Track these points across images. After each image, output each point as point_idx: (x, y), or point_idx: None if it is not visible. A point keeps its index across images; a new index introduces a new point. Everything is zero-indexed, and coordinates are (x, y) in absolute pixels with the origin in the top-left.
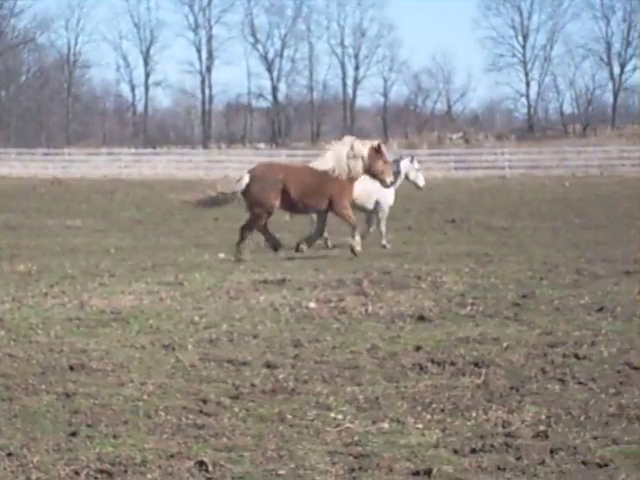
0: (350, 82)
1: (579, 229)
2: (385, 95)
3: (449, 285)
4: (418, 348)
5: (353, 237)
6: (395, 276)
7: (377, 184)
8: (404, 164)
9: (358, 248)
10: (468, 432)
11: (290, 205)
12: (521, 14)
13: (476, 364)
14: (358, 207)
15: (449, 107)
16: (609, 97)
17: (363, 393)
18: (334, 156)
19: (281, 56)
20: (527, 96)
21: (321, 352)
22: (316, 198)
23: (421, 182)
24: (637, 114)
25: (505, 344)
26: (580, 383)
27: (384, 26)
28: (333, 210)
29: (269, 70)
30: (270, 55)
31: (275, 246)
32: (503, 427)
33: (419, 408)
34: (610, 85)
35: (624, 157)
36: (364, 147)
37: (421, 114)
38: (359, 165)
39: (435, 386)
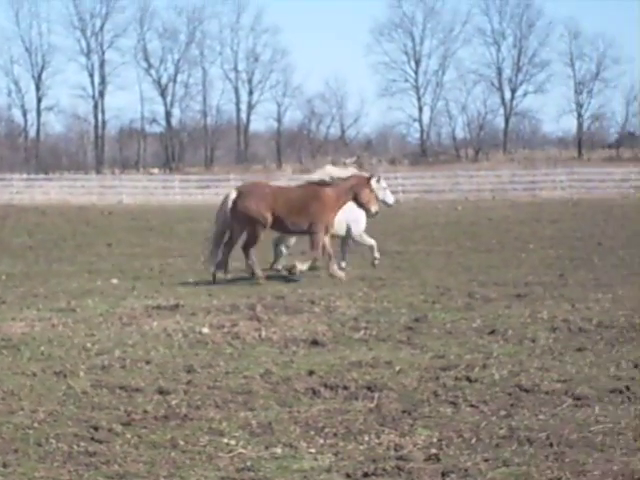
0: (244, 107)
1: (471, 253)
2: (279, 120)
3: (342, 309)
4: (311, 372)
5: (303, 262)
6: (289, 301)
7: (346, 211)
8: (372, 184)
9: (302, 268)
10: (360, 456)
11: (278, 223)
12: (413, 40)
13: (369, 388)
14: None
15: (342, 132)
16: (500, 122)
17: (256, 418)
18: (325, 174)
19: (174, 81)
20: (420, 121)
21: (214, 377)
22: (300, 216)
23: (390, 200)
24: (528, 139)
25: (398, 368)
26: (472, 406)
27: (277, 51)
28: (309, 230)
29: (162, 95)
30: (163, 80)
31: (253, 272)
32: (395, 451)
33: (312, 432)
34: (501, 110)
35: (515, 181)
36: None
37: (315, 139)
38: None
39: (328, 410)
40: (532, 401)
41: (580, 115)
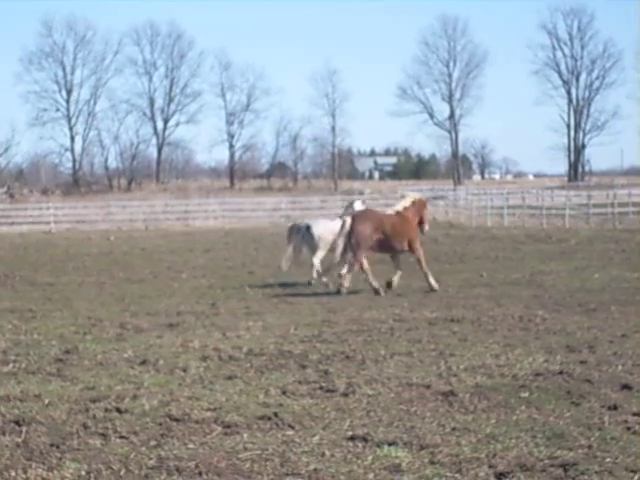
0: None
1: (124, 283)
2: None
3: None
4: None
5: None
6: None
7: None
8: (357, 205)
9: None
10: None
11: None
12: (64, 69)
13: (17, 422)
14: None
15: None
16: (153, 152)
17: None
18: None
19: None
20: (72, 150)
21: None
22: (400, 240)
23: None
24: (181, 169)
25: (47, 401)
26: (122, 437)
27: None
28: (411, 249)
29: None
30: None
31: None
32: None
33: None
34: (154, 140)
35: (168, 211)
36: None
37: None
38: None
39: None
40: (182, 430)
41: (232, 145)
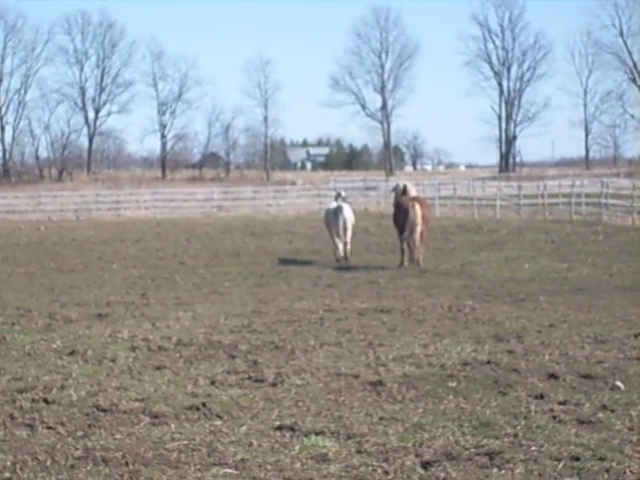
0: None
1: (54, 273)
2: None
3: None
4: None
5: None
6: None
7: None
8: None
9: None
10: None
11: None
12: None
13: None
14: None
15: None
16: (85, 142)
17: None
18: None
19: None
20: (2, 140)
21: None
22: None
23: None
24: (113, 159)
25: None
26: (48, 427)
27: None
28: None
29: None
30: None
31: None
32: None
33: None
34: (85, 130)
35: (99, 201)
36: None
37: None
38: None
39: None
40: (109, 421)
41: (164, 135)
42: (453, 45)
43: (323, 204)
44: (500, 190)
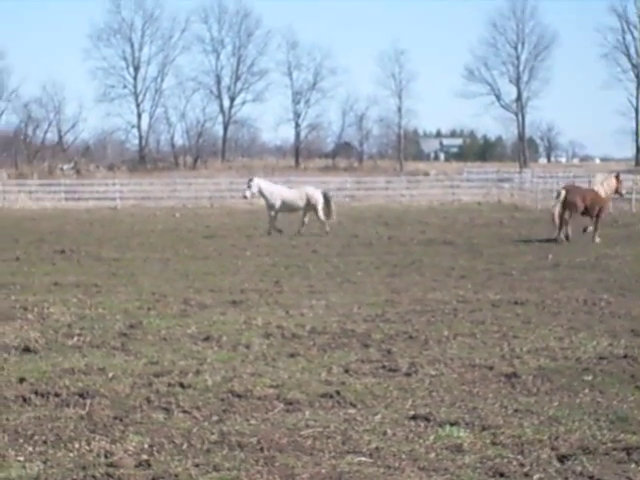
0: None
1: (188, 260)
2: None
3: (56, 316)
4: (22, 380)
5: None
6: (1, 307)
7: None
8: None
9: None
10: (70, 463)
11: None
12: (132, 46)
13: (81, 395)
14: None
15: (60, 137)
16: (219, 130)
17: None
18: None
19: None
20: (138, 127)
21: None
22: (594, 208)
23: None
24: (246, 147)
25: (111, 374)
26: (184, 411)
27: None
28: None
29: None
30: None
31: (567, 236)
32: (106, 457)
33: (21, 440)
34: (220, 118)
35: (233, 189)
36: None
37: (31, 144)
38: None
39: (38, 418)
40: (244, 406)
41: (298, 124)
42: (590, 37)
43: (456, 195)
44: (636, 183)
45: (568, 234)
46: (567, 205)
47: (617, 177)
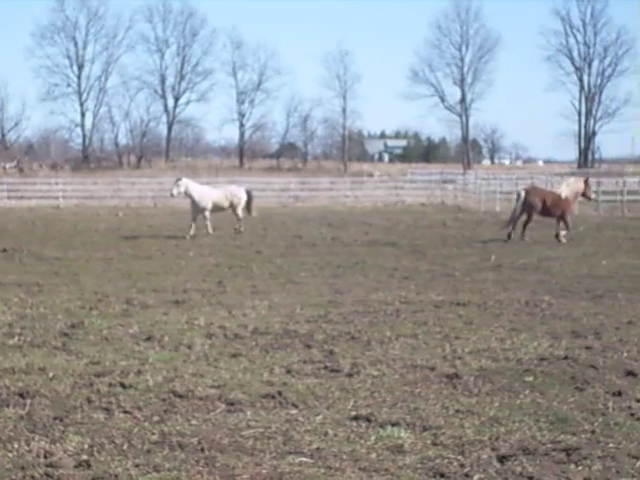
0: None
1: (131, 259)
2: None
3: None
4: None
5: (563, 233)
6: None
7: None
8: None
9: (564, 240)
10: (9, 463)
11: (544, 211)
12: (76, 44)
13: (21, 395)
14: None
15: (3, 135)
16: (163, 129)
17: None
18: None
19: None
20: (82, 126)
21: None
22: (555, 209)
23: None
24: (191, 147)
25: (51, 374)
26: (125, 412)
27: None
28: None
29: None
30: None
31: (509, 235)
32: (45, 457)
33: None
34: (164, 117)
35: None
36: (579, 183)
37: None
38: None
39: None
40: (186, 406)
41: (242, 125)
42: (534, 39)
43: (400, 196)
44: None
45: (511, 234)
46: (526, 206)
47: (586, 181)
